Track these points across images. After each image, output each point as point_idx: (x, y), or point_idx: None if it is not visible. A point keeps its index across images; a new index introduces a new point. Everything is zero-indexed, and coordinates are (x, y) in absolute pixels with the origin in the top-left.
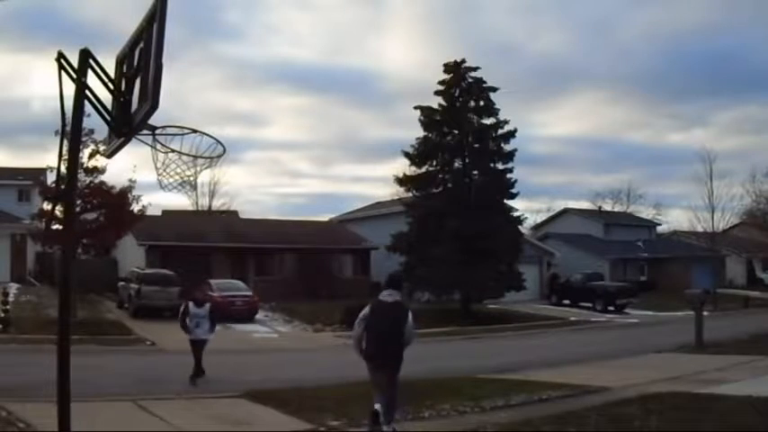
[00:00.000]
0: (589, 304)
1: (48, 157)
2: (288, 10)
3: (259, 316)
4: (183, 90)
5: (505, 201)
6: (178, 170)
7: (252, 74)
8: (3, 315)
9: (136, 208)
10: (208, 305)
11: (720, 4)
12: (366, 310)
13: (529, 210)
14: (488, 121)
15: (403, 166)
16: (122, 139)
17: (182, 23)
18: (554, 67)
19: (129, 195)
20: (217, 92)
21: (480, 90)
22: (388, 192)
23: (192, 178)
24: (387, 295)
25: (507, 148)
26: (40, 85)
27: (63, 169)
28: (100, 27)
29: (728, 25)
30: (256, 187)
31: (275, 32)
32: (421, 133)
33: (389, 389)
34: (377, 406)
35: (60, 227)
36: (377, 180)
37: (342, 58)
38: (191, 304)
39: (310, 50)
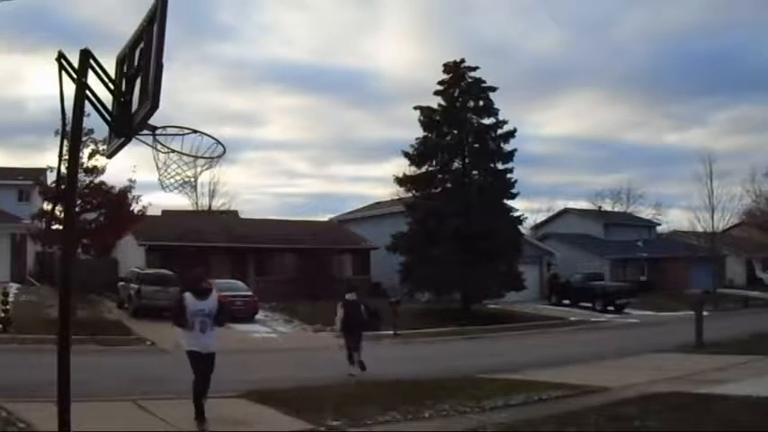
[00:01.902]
0: (589, 304)
1: (46, 157)
2: (282, 10)
3: (259, 316)
4: (178, 90)
5: (505, 201)
6: (179, 170)
7: (247, 74)
8: (3, 315)
9: (136, 208)
10: (214, 295)
11: (718, 3)
12: (340, 305)
13: (529, 210)
14: (488, 120)
15: (401, 166)
16: (123, 139)
17: (175, 24)
18: (550, 67)
19: (129, 195)
20: (212, 92)
21: (480, 90)
22: (387, 191)
23: (192, 178)
24: (350, 297)
25: (507, 147)
26: (36, 85)
27: (63, 169)
28: (97, 27)
29: (726, 25)
30: (253, 187)
31: (269, 32)
32: (420, 133)
33: (358, 342)
34: (353, 372)
35: (60, 227)
36: (374, 180)
37: (336, 57)
38: (188, 296)
39: (305, 50)
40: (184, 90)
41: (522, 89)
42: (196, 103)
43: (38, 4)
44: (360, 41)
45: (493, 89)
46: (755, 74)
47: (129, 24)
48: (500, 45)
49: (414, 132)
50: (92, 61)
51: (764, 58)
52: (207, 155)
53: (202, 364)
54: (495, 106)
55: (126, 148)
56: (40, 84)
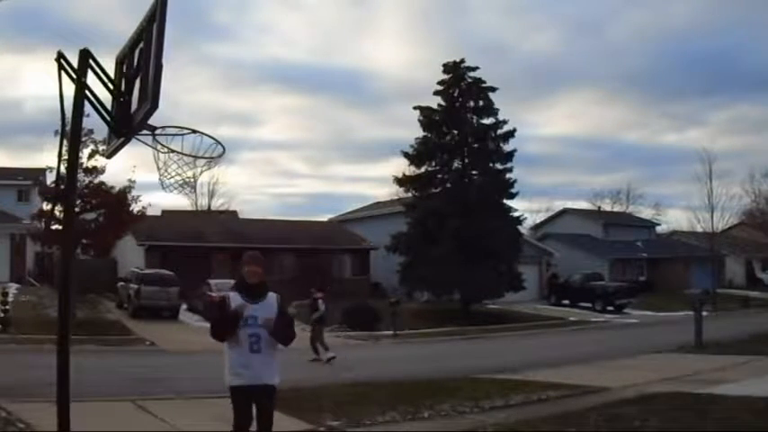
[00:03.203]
0: (588, 304)
1: (44, 158)
2: (278, 10)
3: None
4: (175, 90)
5: (505, 201)
6: (179, 170)
7: (244, 74)
8: (2, 315)
9: (135, 208)
10: (274, 297)
11: (717, 3)
12: (321, 303)
13: (528, 210)
14: (487, 120)
15: (399, 166)
16: (122, 139)
17: (172, 24)
18: (548, 67)
19: (129, 196)
20: (209, 92)
21: (479, 90)
22: (385, 191)
23: (192, 178)
24: (318, 296)
25: (506, 147)
26: (33, 85)
27: (63, 169)
28: (96, 27)
29: (725, 24)
30: (252, 187)
31: (266, 32)
32: (420, 133)
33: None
34: (331, 355)
35: (60, 227)
36: (372, 180)
37: (334, 57)
38: (232, 296)
39: (303, 50)
40: (180, 90)
41: (520, 89)
42: (193, 103)
43: (37, 3)
44: (357, 41)
45: (492, 89)
46: (754, 74)
47: (128, 24)
48: (498, 45)
49: (413, 132)
50: (91, 61)
51: (763, 58)
52: (207, 155)
53: (259, 403)
54: (495, 106)
55: (126, 148)
56: (38, 84)
